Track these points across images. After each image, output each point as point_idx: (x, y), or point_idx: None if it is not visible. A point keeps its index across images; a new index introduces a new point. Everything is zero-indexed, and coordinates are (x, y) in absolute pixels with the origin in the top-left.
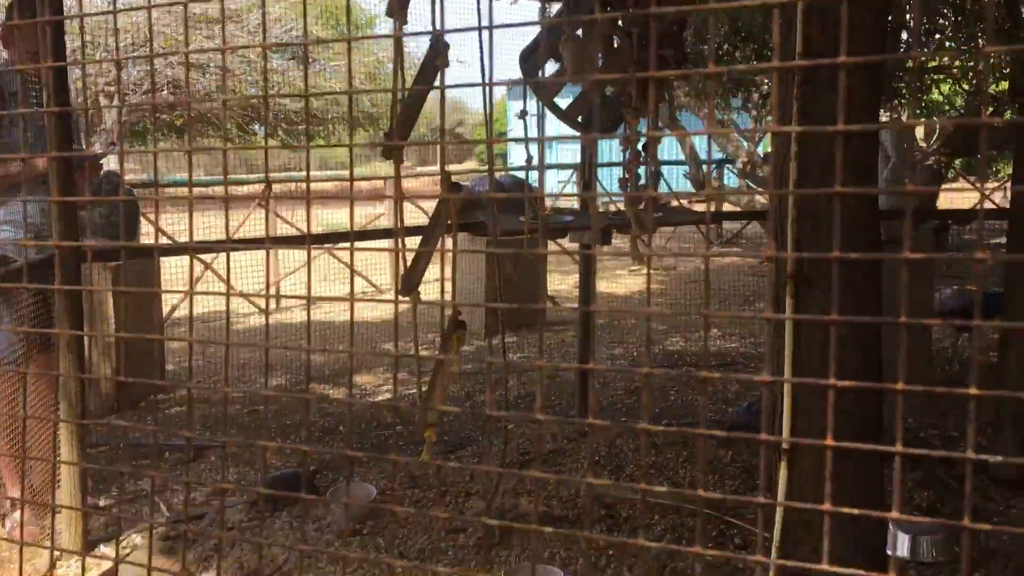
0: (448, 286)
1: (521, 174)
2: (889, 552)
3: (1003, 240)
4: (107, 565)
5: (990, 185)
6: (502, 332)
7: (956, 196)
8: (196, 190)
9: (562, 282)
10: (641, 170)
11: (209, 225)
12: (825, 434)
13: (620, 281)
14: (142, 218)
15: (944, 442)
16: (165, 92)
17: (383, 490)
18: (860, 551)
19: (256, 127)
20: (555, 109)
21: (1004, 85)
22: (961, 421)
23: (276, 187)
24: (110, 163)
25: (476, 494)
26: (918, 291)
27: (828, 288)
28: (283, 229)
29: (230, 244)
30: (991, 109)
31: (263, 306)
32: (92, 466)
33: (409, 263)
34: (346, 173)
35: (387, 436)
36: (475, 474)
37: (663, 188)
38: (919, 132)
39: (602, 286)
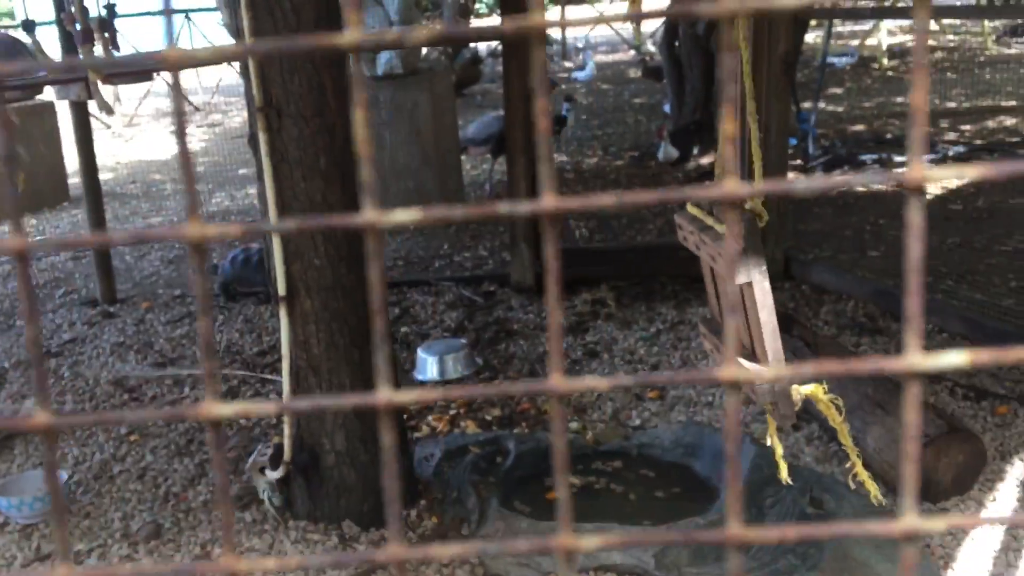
0: None
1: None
2: (419, 376)
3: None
4: None
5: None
6: None
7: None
8: None
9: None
10: None
11: None
12: (322, 272)
13: (157, 144)
14: None
15: (475, 263)
16: None
17: None
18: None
19: None
20: None
21: None
22: (491, 242)
23: None
24: None
25: None
26: (444, 121)
27: (299, 118)
28: None
29: None
30: None
31: None
32: None
33: None
34: None
35: None
36: None
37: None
38: None
39: (135, 152)
